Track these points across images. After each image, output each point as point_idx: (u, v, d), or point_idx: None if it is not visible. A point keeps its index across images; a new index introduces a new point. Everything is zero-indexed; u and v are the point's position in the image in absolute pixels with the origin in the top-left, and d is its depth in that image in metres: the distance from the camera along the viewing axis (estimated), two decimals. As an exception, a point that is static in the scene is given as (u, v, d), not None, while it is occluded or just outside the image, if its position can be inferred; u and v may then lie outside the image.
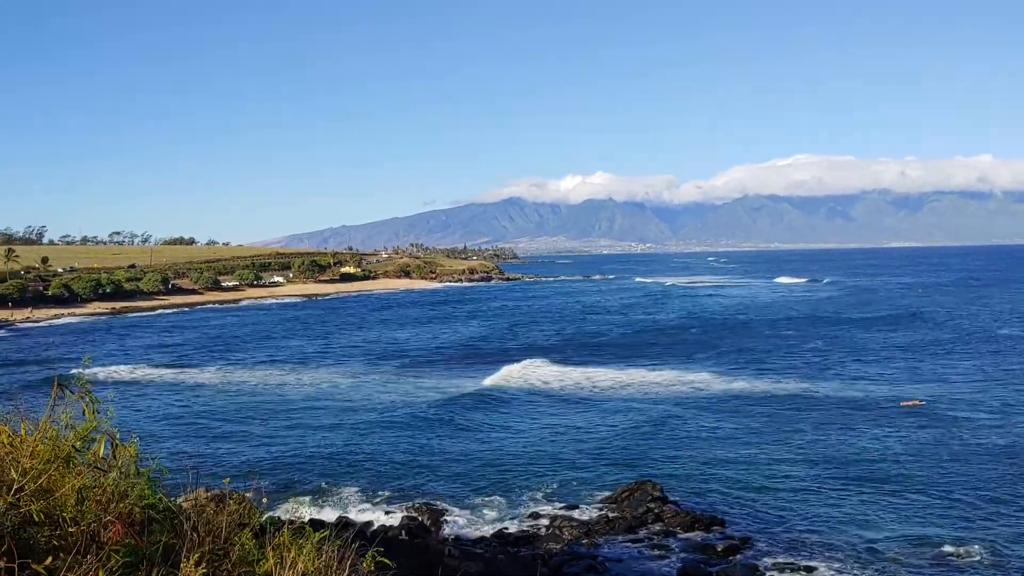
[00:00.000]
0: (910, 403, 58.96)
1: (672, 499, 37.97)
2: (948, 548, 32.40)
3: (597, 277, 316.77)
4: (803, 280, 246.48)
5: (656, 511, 36.22)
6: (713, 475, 42.88)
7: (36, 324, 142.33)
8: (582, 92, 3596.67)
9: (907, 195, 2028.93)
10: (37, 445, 6.57)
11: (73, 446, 6.86)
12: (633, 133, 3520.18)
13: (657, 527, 35.35)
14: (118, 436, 7.37)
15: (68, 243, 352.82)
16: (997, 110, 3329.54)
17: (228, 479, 10.39)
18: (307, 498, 40.60)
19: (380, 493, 41.62)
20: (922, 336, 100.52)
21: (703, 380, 71.58)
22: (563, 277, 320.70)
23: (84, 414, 7.22)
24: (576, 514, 37.35)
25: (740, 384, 69.28)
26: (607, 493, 39.97)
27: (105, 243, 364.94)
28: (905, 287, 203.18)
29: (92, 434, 7.15)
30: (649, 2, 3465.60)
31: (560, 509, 38.20)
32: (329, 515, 37.17)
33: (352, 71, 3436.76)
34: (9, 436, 6.59)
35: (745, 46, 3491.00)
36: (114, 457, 7.25)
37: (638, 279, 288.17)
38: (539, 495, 40.91)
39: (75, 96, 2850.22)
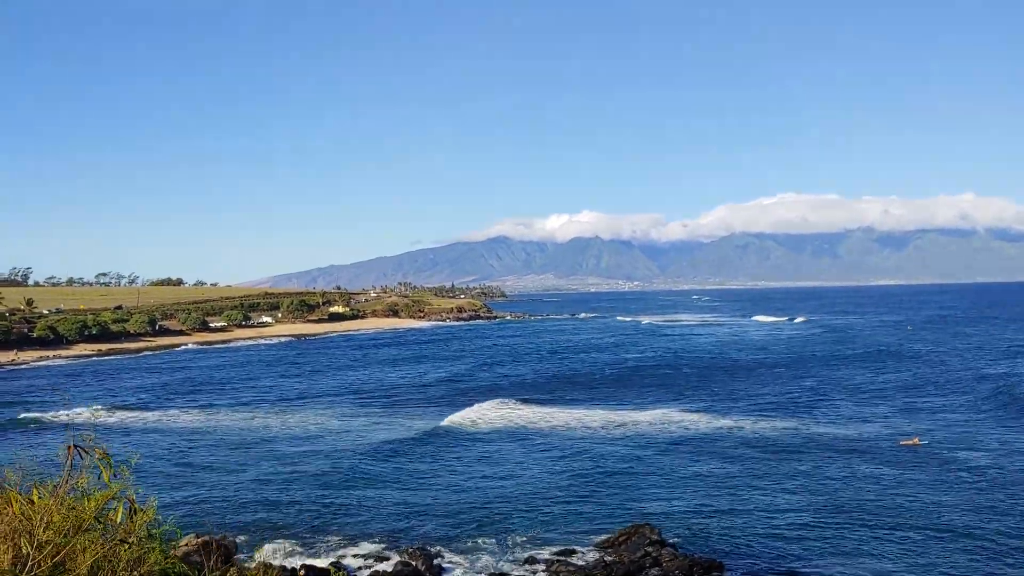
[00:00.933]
0: (909, 442, 58.65)
1: (670, 542, 37.52)
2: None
3: (583, 316, 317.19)
4: (783, 319, 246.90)
5: (654, 555, 35.74)
6: (709, 516, 42.46)
7: (21, 367, 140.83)
8: (567, 131, 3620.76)
9: (891, 233, 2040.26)
10: (53, 515, 6.26)
11: (96, 517, 6.55)
12: (619, 172, 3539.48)
13: (655, 572, 34.89)
14: (135, 498, 7.08)
15: (54, 284, 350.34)
16: (978, 148, 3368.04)
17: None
18: (293, 542, 39.94)
19: (370, 536, 41.03)
20: (913, 374, 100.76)
21: (691, 419, 71.43)
22: (551, 316, 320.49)
23: (101, 477, 6.93)
24: (574, 559, 36.86)
25: (729, 422, 69.08)
26: (603, 536, 39.49)
27: (92, 284, 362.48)
28: (891, 325, 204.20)
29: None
30: (634, 44, 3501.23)
31: (556, 554, 37.68)
32: (322, 561, 36.59)
33: (338, 110, 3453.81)
34: (22, 504, 6.27)
35: (729, 86, 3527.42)
36: (131, 521, 6.95)
37: (619, 317, 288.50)
38: (533, 538, 40.36)
39: (59, 137, 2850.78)
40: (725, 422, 69.56)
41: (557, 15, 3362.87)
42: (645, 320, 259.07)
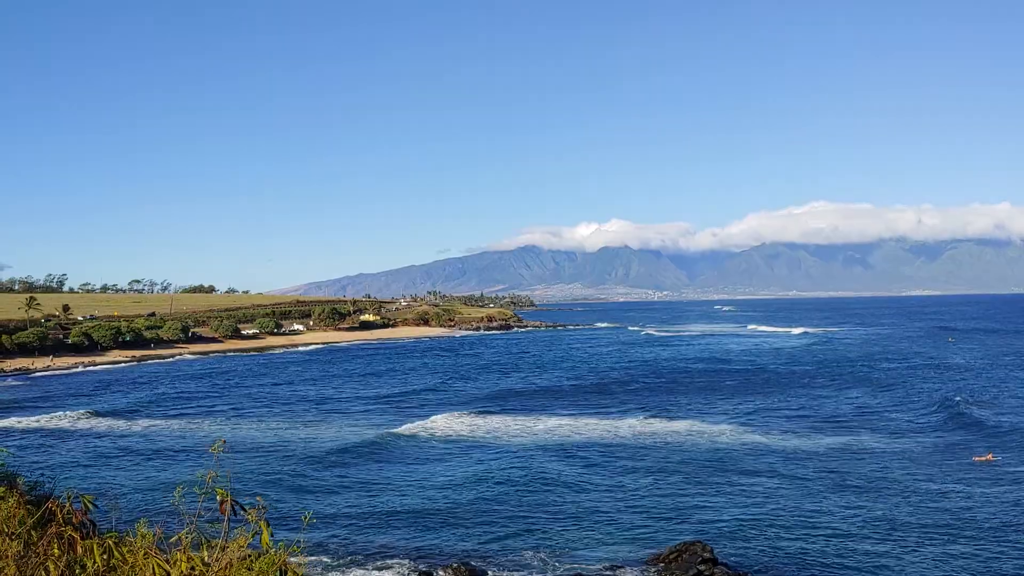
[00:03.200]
0: (982, 458, 56.40)
1: (722, 561, 36.23)
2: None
3: (600, 325, 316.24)
4: (822, 328, 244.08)
5: (707, 574, 34.52)
6: (762, 534, 41.02)
7: (56, 373, 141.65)
8: (597, 140, 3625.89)
9: (924, 243, 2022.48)
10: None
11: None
12: (648, 180, 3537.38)
13: (708, 591, 33.69)
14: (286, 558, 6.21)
15: (88, 291, 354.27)
16: (1015, 157, 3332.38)
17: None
18: (329, 559, 38.94)
19: (408, 551, 39.95)
20: (963, 386, 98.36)
21: (724, 431, 70.01)
22: (580, 325, 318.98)
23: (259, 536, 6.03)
24: (622, 575, 35.71)
25: (777, 436, 67.36)
26: (652, 551, 38.30)
27: (125, 291, 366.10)
28: (929, 334, 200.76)
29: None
30: (661, 55, 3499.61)
31: (603, 568, 36.55)
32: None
33: (368, 119, 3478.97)
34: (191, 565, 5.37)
35: (758, 94, 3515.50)
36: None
37: (630, 327, 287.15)
38: (577, 551, 39.28)
39: (95, 147, 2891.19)
40: (757, 436, 68.05)
41: (587, 26, 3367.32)
42: (652, 331, 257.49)
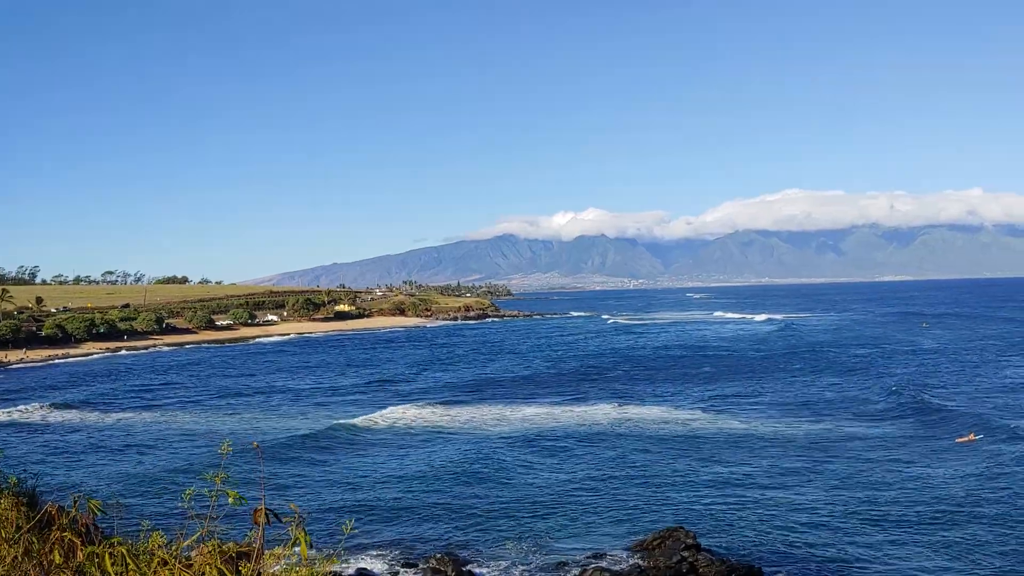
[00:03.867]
0: (965, 439, 57.10)
1: (706, 547, 36.34)
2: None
3: (574, 314, 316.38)
4: (789, 315, 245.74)
5: (690, 560, 34.57)
6: (743, 519, 41.23)
7: (30, 365, 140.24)
8: (573, 130, 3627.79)
9: (897, 229, 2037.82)
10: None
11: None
12: (624, 169, 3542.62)
13: (692, 577, 33.79)
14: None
15: (61, 283, 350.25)
16: (986, 143, 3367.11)
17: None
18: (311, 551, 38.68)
19: (391, 541, 39.83)
20: (940, 369, 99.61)
21: (698, 417, 70.37)
22: (557, 314, 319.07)
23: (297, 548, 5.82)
24: (606, 563, 35.67)
25: (751, 422, 67.68)
26: (634, 540, 38.38)
27: (98, 283, 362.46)
28: (902, 319, 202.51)
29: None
30: (635, 44, 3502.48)
31: (588, 557, 36.56)
32: (346, 568, 35.49)
33: (340, 106, 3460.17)
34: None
35: (731, 82, 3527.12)
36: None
37: (604, 316, 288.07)
38: (559, 540, 39.29)
39: (64, 136, 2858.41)
40: (733, 422, 68.41)
41: (562, 18, 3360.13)
42: (621, 319, 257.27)
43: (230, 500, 6.01)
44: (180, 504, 6.69)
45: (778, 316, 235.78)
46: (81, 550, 5.46)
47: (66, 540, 5.58)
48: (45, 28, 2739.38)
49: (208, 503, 6.49)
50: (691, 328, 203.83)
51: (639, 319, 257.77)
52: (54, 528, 5.79)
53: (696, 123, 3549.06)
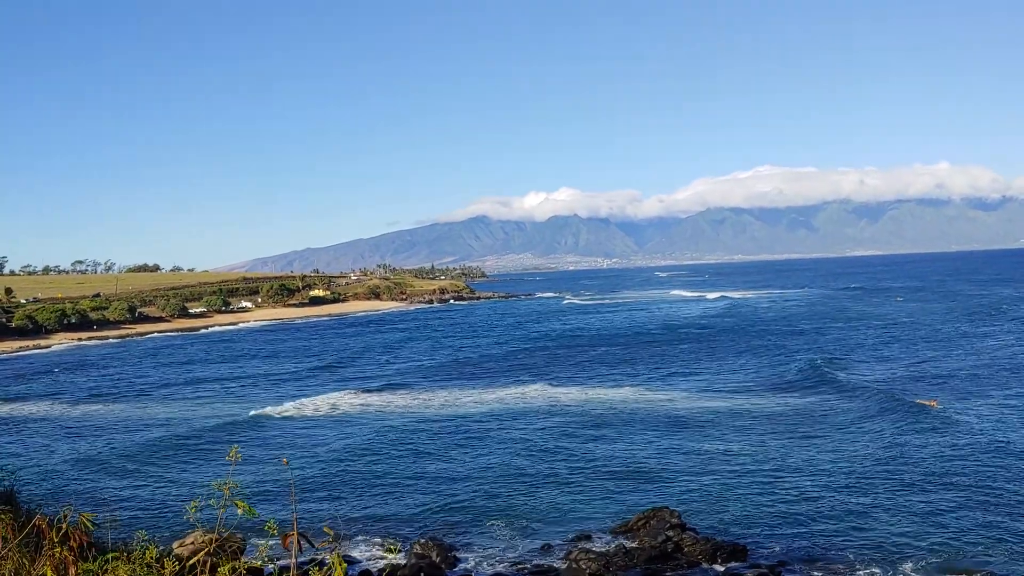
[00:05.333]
0: (925, 402, 58.02)
1: (690, 526, 36.35)
2: (985, 558, 31.33)
3: (539, 295, 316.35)
4: (749, 292, 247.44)
5: (676, 540, 34.58)
6: (726, 496, 41.32)
7: (0, 357, 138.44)
8: (543, 109, 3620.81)
9: (867, 204, 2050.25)
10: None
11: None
12: (595, 148, 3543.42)
13: (678, 556, 33.79)
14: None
15: (30, 273, 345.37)
16: (953, 117, 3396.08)
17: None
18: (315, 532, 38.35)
19: (374, 525, 39.65)
20: (908, 338, 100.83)
21: (677, 397, 70.64)
22: (536, 294, 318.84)
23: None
24: (591, 545, 35.61)
25: (721, 399, 68.00)
26: (619, 521, 38.28)
27: (68, 272, 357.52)
28: (878, 294, 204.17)
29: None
30: (605, 19, 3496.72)
31: (573, 540, 36.45)
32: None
33: (311, 91, 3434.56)
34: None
35: (700, 59, 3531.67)
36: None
37: (568, 298, 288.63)
38: (543, 522, 39.19)
39: (28, 125, 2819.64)
40: (704, 399, 68.66)
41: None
42: (578, 300, 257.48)
43: (239, 512, 5.67)
44: (186, 516, 6.38)
45: (733, 294, 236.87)
46: (75, 567, 5.13)
47: (58, 556, 5.27)
48: (7, 10, 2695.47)
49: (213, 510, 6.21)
50: (641, 307, 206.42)
51: (597, 299, 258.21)
52: (44, 543, 5.47)
53: (667, 102, 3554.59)
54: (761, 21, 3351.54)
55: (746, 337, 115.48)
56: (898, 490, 40.24)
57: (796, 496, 40.48)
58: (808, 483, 42.31)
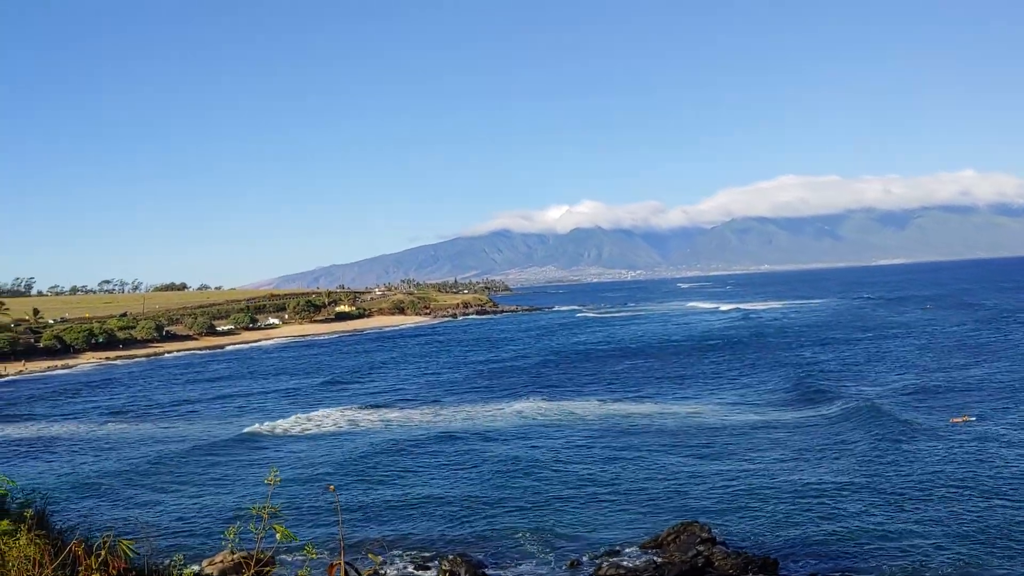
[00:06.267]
0: (959, 419, 57.15)
1: (721, 540, 36.03)
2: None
3: (557, 308, 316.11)
4: (784, 303, 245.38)
5: (706, 554, 34.26)
6: (755, 510, 40.93)
7: (28, 378, 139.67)
8: (563, 121, 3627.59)
9: (892, 212, 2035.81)
10: None
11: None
12: (617, 161, 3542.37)
13: (709, 572, 33.47)
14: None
15: (58, 293, 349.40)
16: (978, 124, 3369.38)
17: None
18: (321, 551, 38.25)
19: (401, 542, 39.49)
20: (938, 347, 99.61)
21: (703, 410, 70.13)
22: (559, 307, 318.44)
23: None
24: (621, 560, 35.36)
25: (750, 412, 67.43)
26: (648, 534, 38.00)
27: (96, 292, 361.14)
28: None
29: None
30: (625, 33, 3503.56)
31: (602, 555, 36.22)
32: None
33: (334, 107, 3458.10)
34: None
35: (722, 71, 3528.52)
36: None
37: (581, 312, 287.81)
38: (571, 537, 38.96)
39: (55, 144, 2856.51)
40: (733, 412, 68.11)
41: (551, 8, 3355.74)
42: (592, 314, 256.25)
43: (278, 537, 5.63)
44: (224, 542, 6.35)
45: (750, 306, 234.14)
46: (114, 601, 5.13)
47: (95, 584, 5.28)
48: (36, 23, 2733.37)
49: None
50: (652, 320, 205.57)
51: (611, 312, 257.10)
52: (81, 570, 5.45)
53: (689, 112, 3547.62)
54: (782, 32, 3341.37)
55: (760, 350, 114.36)
56: (931, 504, 39.65)
57: (826, 509, 40.05)
58: (838, 496, 41.83)
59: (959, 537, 35.31)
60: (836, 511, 39.61)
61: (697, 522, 37.03)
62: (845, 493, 42.17)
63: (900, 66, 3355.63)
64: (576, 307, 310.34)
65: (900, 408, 64.25)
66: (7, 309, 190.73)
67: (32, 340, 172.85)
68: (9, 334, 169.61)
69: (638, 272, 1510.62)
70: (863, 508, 39.68)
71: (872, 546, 35.13)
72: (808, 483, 44.44)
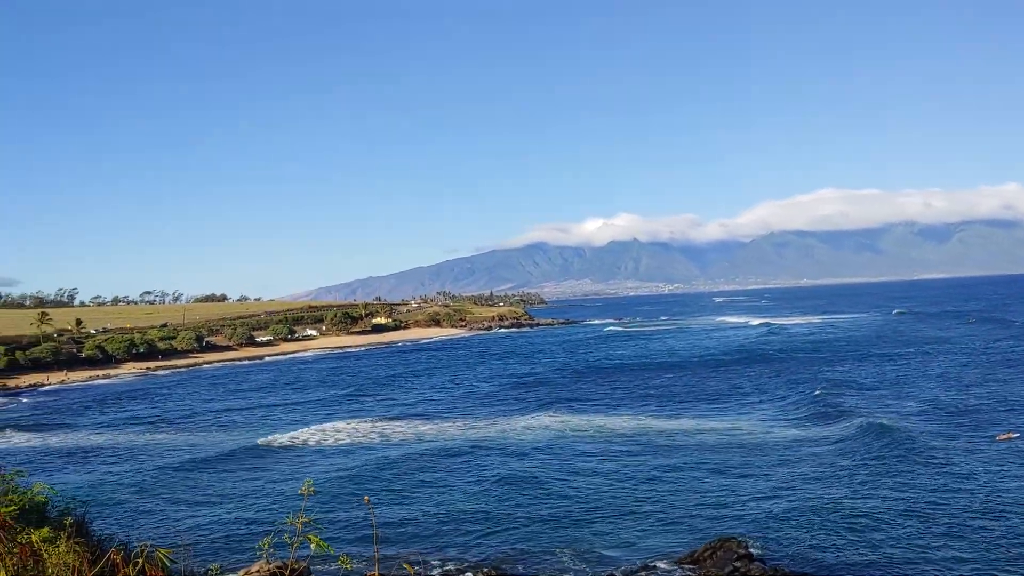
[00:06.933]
0: (1004, 437, 56.12)
1: (758, 556, 35.62)
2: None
3: (606, 321, 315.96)
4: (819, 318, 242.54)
5: (743, 571, 33.90)
6: (792, 527, 40.38)
7: (70, 387, 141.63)
8: (602, 135, 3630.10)
9: (933, 226, 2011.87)
10: None
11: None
12: (655, 174, 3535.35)
13: (746, 588, 33.11)
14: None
15: (100, 304, 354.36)
16: (1021, 136, 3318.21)
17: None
18: (355, 563, 38.37)
19: (434, 555, 39.43)
20: (983, 363, 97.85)
21: (745, 427, 69.26)
22: (592, 320, 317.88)
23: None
24: (657, 575, 35.12)
25: (807, 427, 66.62)
26: (684, 549, 37.67)
27: (137, 303, 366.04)
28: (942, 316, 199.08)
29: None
30: (661, 46, 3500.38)
31: (638, 569, 35.95)
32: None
33: (371, 122, 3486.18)
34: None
35: (762, 83, 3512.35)
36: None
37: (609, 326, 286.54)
38: (606, 551, 38.71)
39: (99, 158, 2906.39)
40: (766, 427, 67.33)
41: (586, 22, 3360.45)
42: (617, 328, 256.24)
43: (312, 547, 5.70)
44: (258, 552, 6.43)
45: (780, 320, 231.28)
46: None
47: (134, 593, 5.34)
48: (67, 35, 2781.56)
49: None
50: (683, 334, 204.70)
51: (638, 327, 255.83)
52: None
53: (727, 125, 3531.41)
54: (821, 42, 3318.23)
55: (786, 365, 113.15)
56: (977, 526, 38.73)
57: (865, 529, 39.34)
58: (877, 516, 41.04)
59: (1007, 561, 34.53)
60: (876, 531, 38.95)
61: (734, 538, 36.67)
62: (885, 513, 41.38)
63: (942, 77, 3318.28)
64: (608, 321, 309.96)
65: (941, 424, 63.23)
66: (51, 319, 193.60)
67: (74, 350, 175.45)
68: (52, 344, 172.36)
69: (675, 286, 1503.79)
70: (903, 529, 38.90)
71: (913, 570, 34.49)
72: (846, 501, 43.72)
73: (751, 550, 35.74)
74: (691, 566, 35.81)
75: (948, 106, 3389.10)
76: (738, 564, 34.16)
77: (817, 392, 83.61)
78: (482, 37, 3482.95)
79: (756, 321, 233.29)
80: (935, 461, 50.93)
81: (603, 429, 70.33)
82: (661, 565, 36.42)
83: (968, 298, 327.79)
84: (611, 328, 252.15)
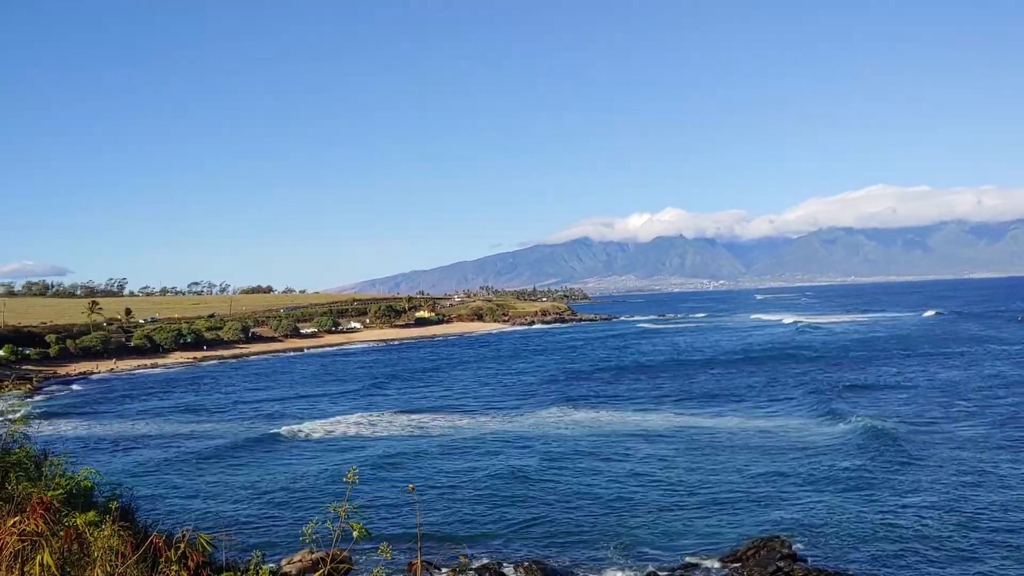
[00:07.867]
0: None
1: (802, 556, 35.18)
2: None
3: (647, 316, 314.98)
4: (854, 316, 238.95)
5: (786, 570, 33.50)
6: (837, 527, 39.80)
7: (120, 375, 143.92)
8: (648, 130, 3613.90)
9: (986, 224, 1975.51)
10: None
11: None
12: (701, 168, 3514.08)
13: (789, 588, 32.71)
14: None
15: (148, 294, 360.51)
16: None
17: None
18: (396, 552, 38.43)
19: (475, 545, 39.42)
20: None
21: (790, 425, 68.50)
22: (636, 316, 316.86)
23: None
24: (699, 574, 34.82)
25: (827, 426, 65.72)
26: (728, 550, 37.30)
27: (184, 293, 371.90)
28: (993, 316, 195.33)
29: None
30: (711, 43, 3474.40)
31: (681, 567, 35.68)
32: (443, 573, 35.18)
33: (417, 116, 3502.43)
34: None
35: (810, 77, 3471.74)
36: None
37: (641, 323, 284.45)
38: (648, 548, 38.44)
39: (150, 152, 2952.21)
40: (810, 425, 66.44)
41: (629, 11, 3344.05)
42: (648, 325, 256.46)
43: (355, 534, 5.67)
44: (302, 539, 6.46)
45: (816, 319, 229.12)
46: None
47: (174, 575, 5.35)
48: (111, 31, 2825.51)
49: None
50: (704, 331, 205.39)
51: (663, 324, 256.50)
52: (161, 561, 5.56)
53: (776, 120, 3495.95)
54: (872, 37, 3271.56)
55: (820, 364, 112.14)
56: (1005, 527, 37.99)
57: (911, 531, 38.59)
58: (923, 518, 40.27)
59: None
60: (922, 534, 38.21)
61: (778, 537, 36.25)
62: (931, 516, 40.59)
63: (994, 73, 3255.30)
64: (650, 317, 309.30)
65: (988, 427, 62.05)
66: (101, 308, 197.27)
67: (123, 339, 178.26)
68: (102, 332, 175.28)
69: (720, 282, 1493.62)
70: (951, 534, 38.07)
71: (958, 568, 33.85)
72: (891, 503, 43.04)
73: (795, 550, 35.32)
74: (735, 564, 35.47)
75: (1000, 102, 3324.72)
76: (782, 564, 33.77)
77: (833, 395, 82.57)
78: (524, 29, 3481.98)
79: (789, 319, 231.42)
80: (986, 465, 49.94)
81: (612, 423, 70.82)
82: (704, 562, 36.11)
83: (1017, 298, 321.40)
84: (642, 325, 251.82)
